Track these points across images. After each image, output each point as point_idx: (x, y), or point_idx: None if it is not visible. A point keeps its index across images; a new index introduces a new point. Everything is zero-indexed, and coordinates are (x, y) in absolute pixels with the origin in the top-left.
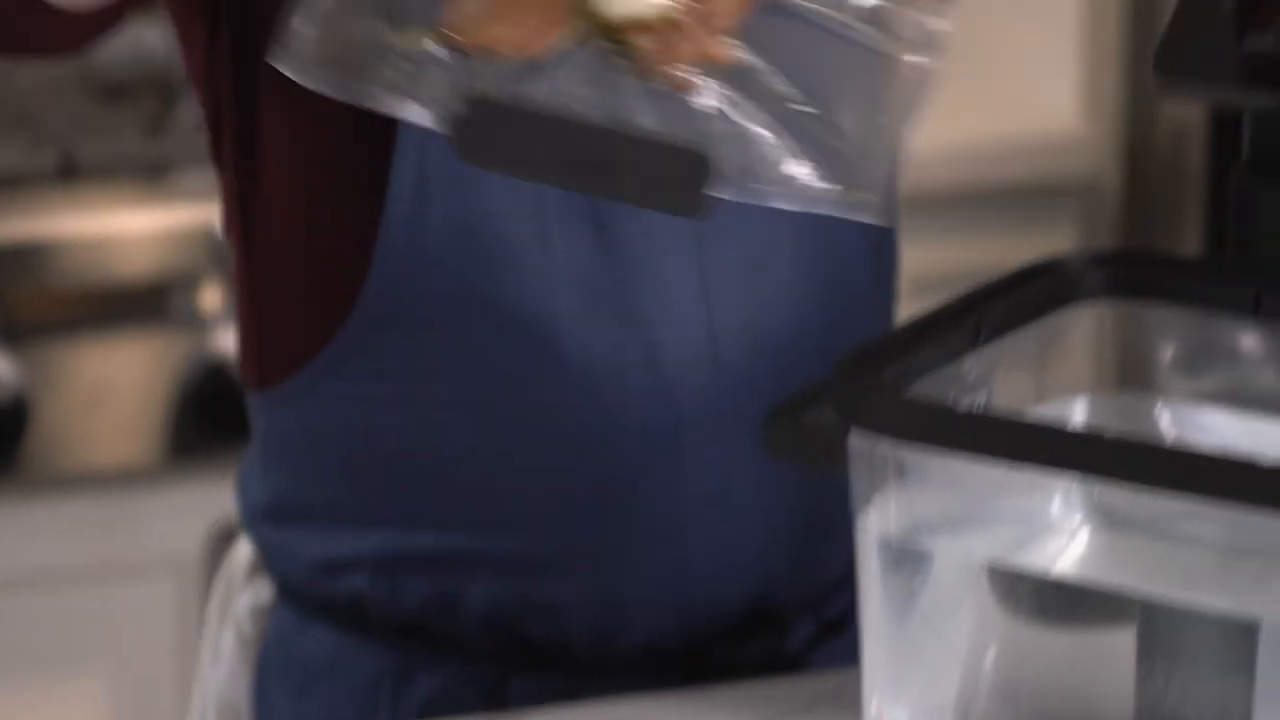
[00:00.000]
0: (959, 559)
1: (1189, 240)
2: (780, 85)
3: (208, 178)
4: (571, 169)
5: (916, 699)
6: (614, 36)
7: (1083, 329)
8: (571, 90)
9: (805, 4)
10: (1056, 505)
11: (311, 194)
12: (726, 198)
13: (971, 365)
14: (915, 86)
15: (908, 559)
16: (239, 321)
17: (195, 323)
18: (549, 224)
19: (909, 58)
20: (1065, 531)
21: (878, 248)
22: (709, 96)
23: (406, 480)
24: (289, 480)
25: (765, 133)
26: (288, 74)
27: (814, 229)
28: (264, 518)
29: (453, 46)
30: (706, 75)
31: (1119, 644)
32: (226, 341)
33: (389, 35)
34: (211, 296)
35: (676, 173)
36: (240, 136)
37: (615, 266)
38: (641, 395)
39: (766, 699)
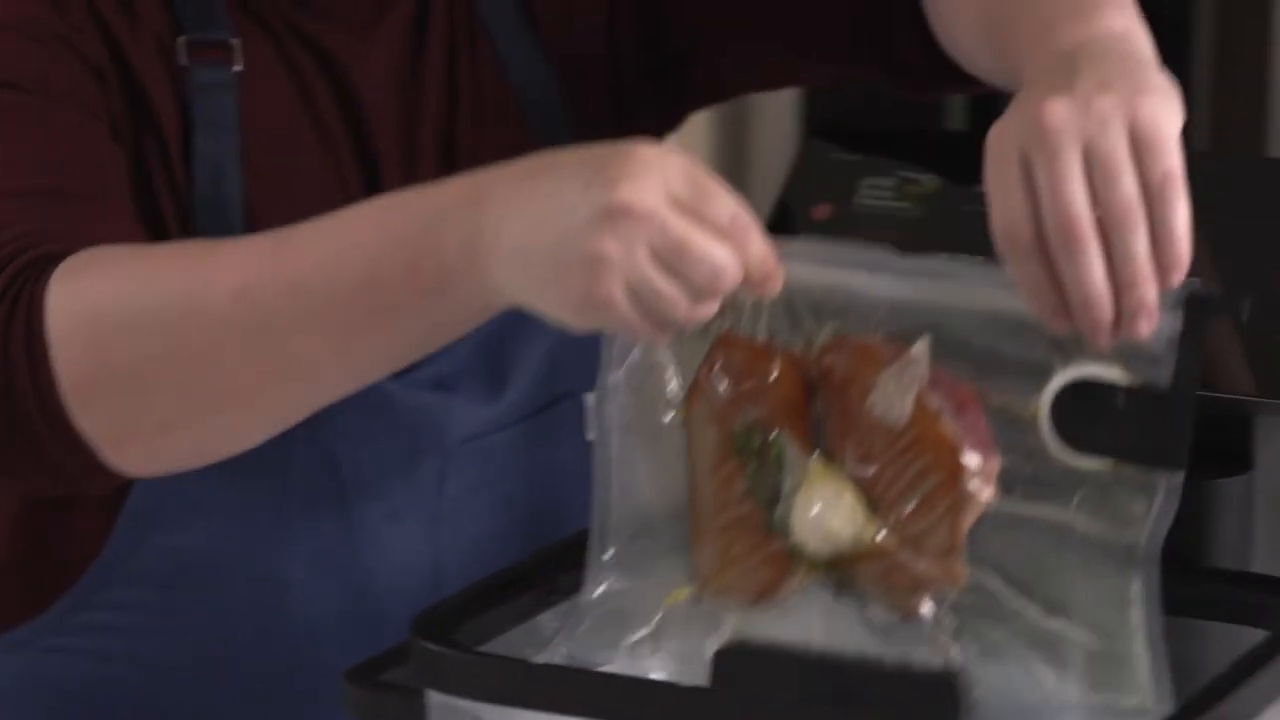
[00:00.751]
0: None
1: None
2: (1017, 598)
3: None
4: (822, 703)
5: None
6: (838, 571)
7: None
8: (810, 627)
9: (1027, 508)
10: None
11: None
12: None
13: (548, 620)
14: (1151, 580)
15: None
16: None
17: None
18: (291, 500)
19: (1140, 543)
20: None
21: None
22: (943, 619)
23: None
24: None
25: (1014, 651)
26: None
27: (536, 516)
28: None
29: (703, 597)
30: (937, 598)
31: None
32: None
33: (659, 595)
34: None
35: (927, 700)
36: None
37: (353, 543)
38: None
39: None
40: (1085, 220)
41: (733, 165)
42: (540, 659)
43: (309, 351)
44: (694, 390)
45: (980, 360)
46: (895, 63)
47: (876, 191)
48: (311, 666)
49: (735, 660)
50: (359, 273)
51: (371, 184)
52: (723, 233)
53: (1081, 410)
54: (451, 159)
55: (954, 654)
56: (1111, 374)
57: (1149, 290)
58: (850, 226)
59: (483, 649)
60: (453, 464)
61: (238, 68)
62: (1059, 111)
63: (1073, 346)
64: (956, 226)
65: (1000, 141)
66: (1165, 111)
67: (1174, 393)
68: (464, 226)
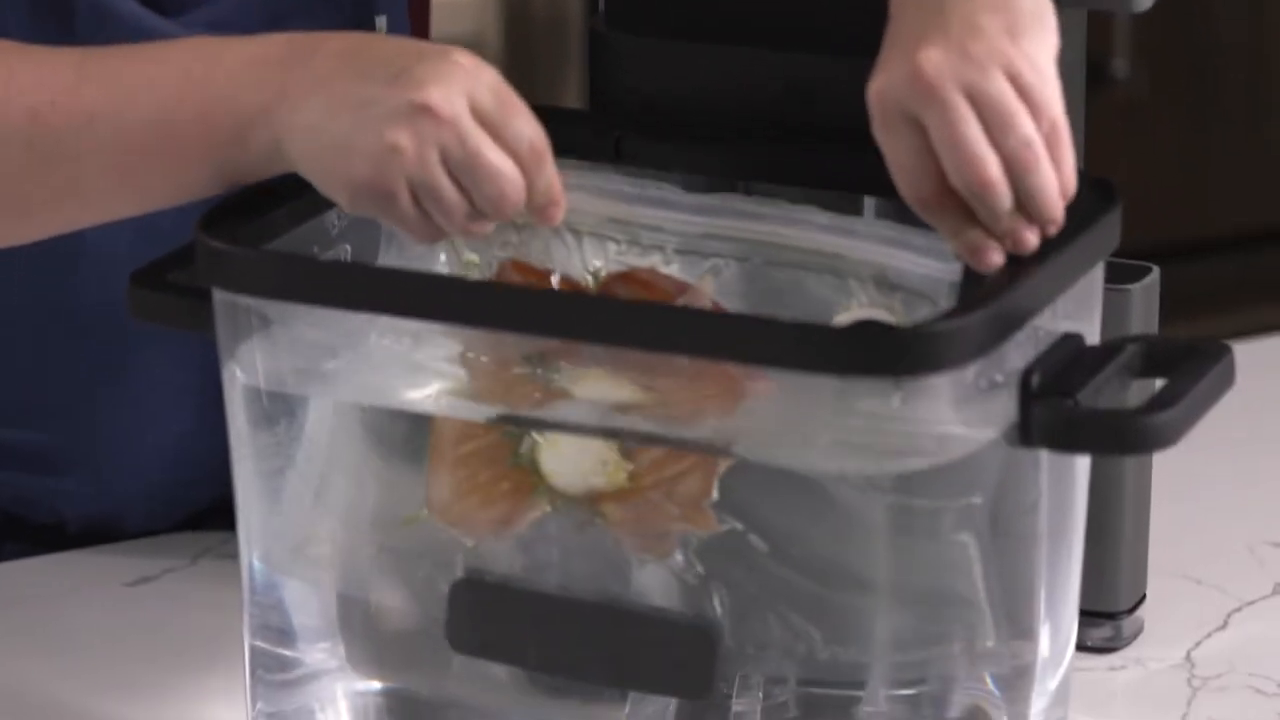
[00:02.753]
0: (330, 404)
1: (571, 92)
2: (763, 546)
3: None
4: (568, 642)
5: (296, 547)
6: (585, 507)
7: None
8: (548, 561)
9: (773, 461)
10: (425, 348)
11: None
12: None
13: (334, 219)
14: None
15: (279, 409)
16: None
17: None
18: None
19: (891, 501)
20: (434, 373)
21: None
22: (688, 564)
23: None
24: None
25: (768, 605)
26: None
27: None
28: None
29: (435, 523)
30: (686, 543)
31: None
32: None
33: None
34: None
35: (677, 647)
36: None
37: None
38: None
39: (156, 552)
40: (992, 162)
41: None
42: (326, 256)
43: (97, 179)
44: None
45: (763, 297)
46: None
47: None
48: (106, 314)
49: (472, 594)
50: (152, 113)
51: None
52: (517, 155)
53: None
54: None
55: (706, 602)
56: (891, 318)
57: (1059, 211)
58: None
59: (269, 246)
60: None
61: None
62: (936, 62)
63: (855, 287)
64: None
65: (883, 102)
66: (1041, 50)
67: None
68: (266, 89)
